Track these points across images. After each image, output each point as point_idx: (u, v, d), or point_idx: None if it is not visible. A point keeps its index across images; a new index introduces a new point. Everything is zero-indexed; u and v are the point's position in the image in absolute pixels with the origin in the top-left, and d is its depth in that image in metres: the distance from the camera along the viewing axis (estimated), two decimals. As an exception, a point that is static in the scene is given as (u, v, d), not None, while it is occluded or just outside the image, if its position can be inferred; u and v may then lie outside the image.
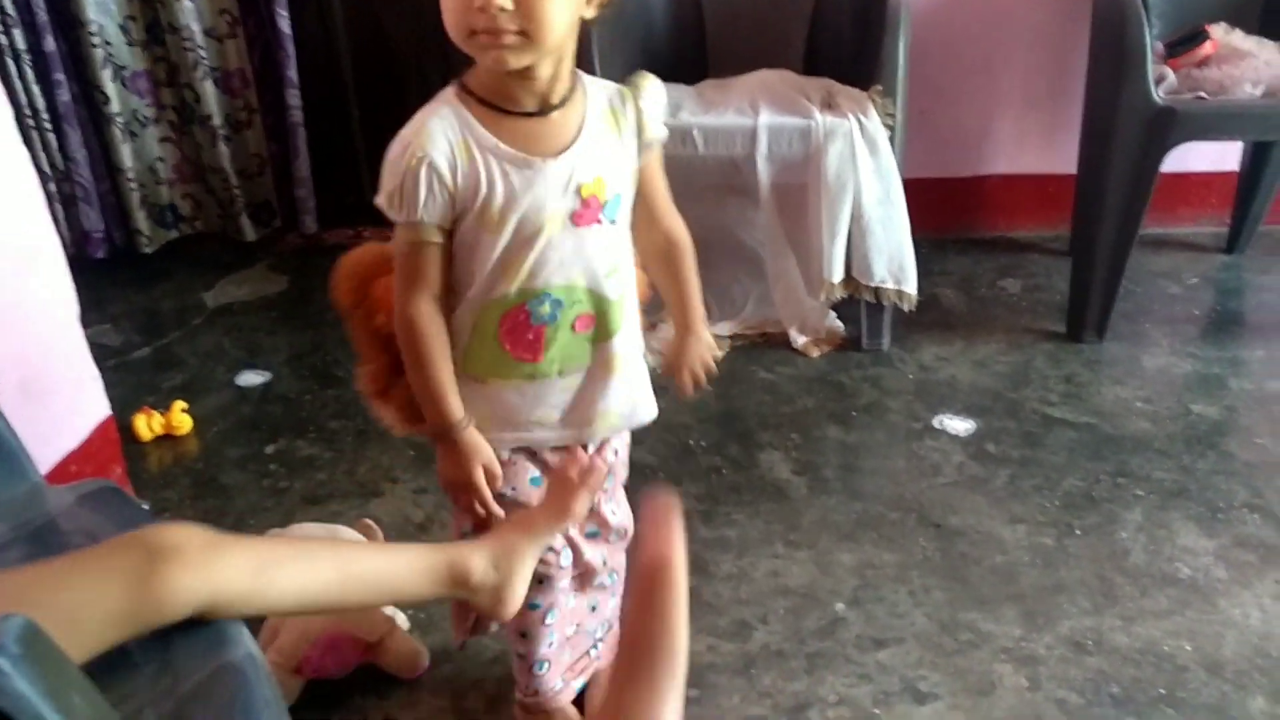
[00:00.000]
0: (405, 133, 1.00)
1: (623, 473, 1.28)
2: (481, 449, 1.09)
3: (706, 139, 2.03)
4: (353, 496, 1.81)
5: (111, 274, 2.64)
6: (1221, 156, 2.53)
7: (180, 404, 2.02)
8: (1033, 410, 1.94)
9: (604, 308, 1.08)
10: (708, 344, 1.24)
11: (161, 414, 2.00)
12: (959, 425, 1.90)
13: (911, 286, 2.05)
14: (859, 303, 2.10)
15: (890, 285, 2.05)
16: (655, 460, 1.85)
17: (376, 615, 1.39)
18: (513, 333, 1.06)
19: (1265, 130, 2.15)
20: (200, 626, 0.88)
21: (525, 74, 0.97)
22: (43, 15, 2.35)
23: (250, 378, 2.20)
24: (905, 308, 2.06)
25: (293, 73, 2.54)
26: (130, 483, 1.82)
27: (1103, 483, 1.73)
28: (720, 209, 2.16)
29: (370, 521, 1.61)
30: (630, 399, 1.16)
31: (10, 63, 2.34)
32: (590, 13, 0.98)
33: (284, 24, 2.48)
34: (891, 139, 2.00)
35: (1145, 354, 2.11)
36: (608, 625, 1.34)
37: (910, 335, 2.20)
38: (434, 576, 1.06)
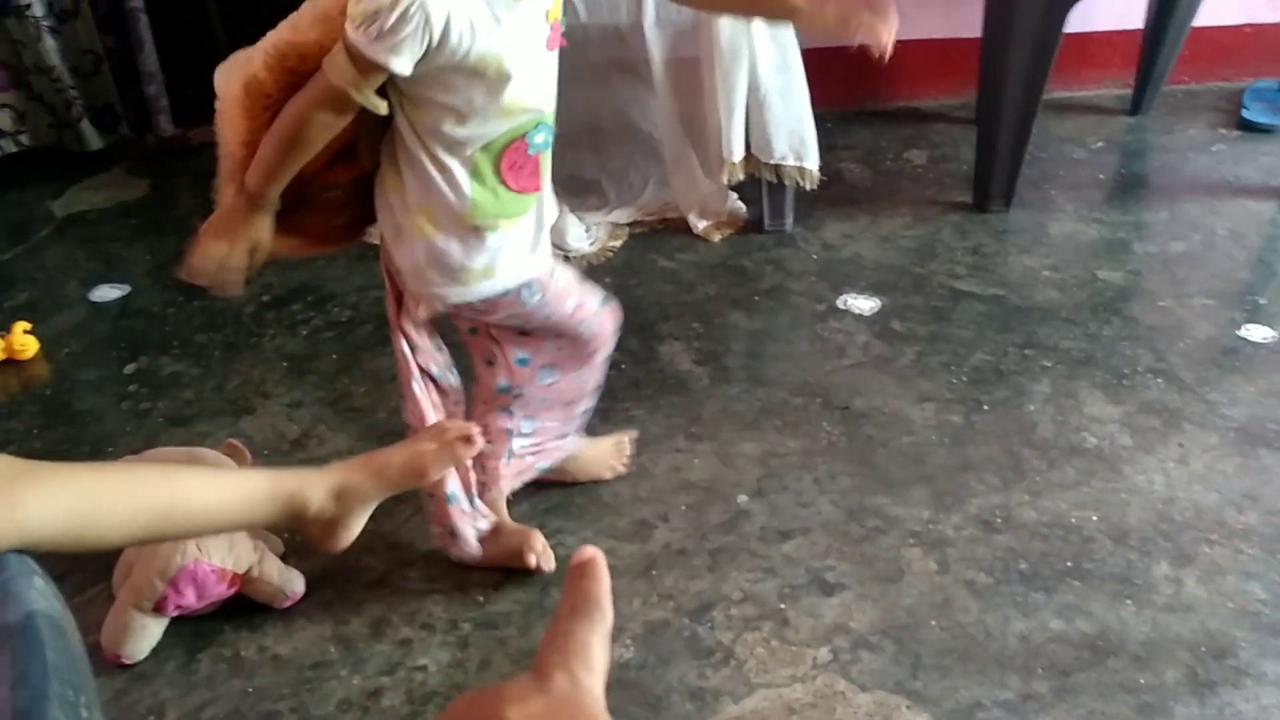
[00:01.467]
0: None
1: None
2: (264, 235, 1.12)
3: (589, 6, 1.87)
4: (222, 415, 1.67)
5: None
6: (1126, 13, 2.45)
7: (22, 325, 1.83)
8: (939, 284, 1.87)
9: (549, 131, 1.10)
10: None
11: (1, 338, 1.81)
12: (864, 304, 1.83)
13: (813, 162, 1.94)
14: (760, 183, 1.99)
15: (791, 162, 1.94)
16: (548, 358, 1.74)
17: (242, 545, 1.27)
18: (514, 167, 1.07)
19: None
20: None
21: None
22: None
23: (106, 292, 2.02)
24: (807, 185, 1.96)
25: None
26: (-32, 415, 1.66)
27: (1010, 355, 1.68)
28: (610, 89, 2.02)
29: (237, 442, 1.48)
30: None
31: None
32: None
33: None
34: (787, 2, 1.86)
35: (1052, 221, 2.06)
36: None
37: (814, 213, 2.11)
38: (270, 507, 0.95)
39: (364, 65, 0.96)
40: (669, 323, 1.82)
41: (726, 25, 1.84)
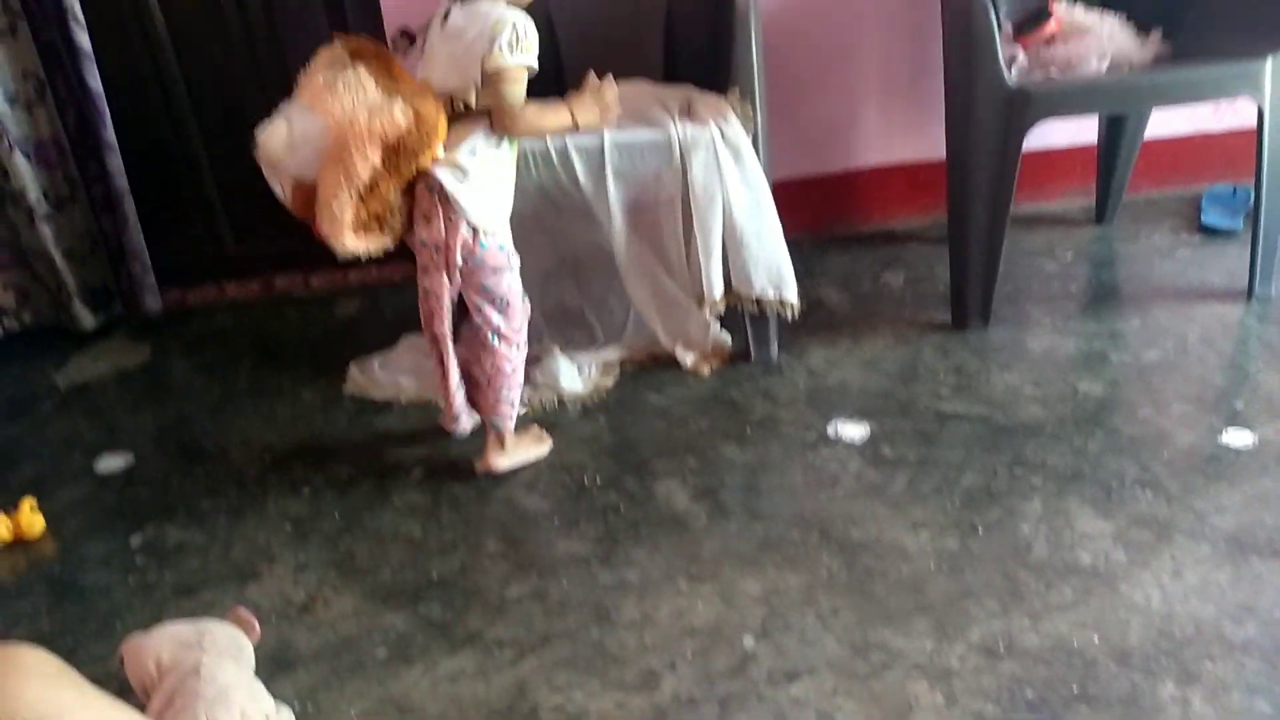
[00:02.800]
0: (506, 14, 1.61)
1: None
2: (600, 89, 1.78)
3: (558, 159, 1.95)
4: (229, 581, 1.69)
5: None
6: (1079, 130, 2.57)
7: (29, 502, 1.86)
8: (925, 407, 1.92)
9: None
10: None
11: (9, 516, 1.84)
12: (853, 430, 1.87)
13: (792, 294, 2.01)
14: (742, 312, 2.05)
15: (771, 295, 2.01)
16: (549, 504, 1.77)
17: (255, 717, 1.28)
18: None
19: (1115, 103, 2.19)
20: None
21: None
22: None
23: (111, 462, 2.05)
24: (788, 316, 2.02)
25: (109, 134, 2.35)
26: (-22, 598, 1.67)
27: (1000, 475, 1.71)
28: (588, 225, 2.09)
29: (244, 612, 1.50)
30: None
31: None
32: None
33: (93, 80, 2.29)
34: (755, 143, 1.95)
35: (1030, 336, 2.12)
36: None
37: (798, 340, 2.17)
38: None
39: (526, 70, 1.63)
40: (664, 460, 1.86)
41: (699, 170, 1.93)
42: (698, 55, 2.28)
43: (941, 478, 1.72)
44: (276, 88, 2.62)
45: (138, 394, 2.32)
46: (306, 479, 1.92)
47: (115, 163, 2.36)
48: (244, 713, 1.28)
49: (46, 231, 2.39)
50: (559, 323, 2.24)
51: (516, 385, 1.82)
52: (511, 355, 1.79)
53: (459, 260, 1.68)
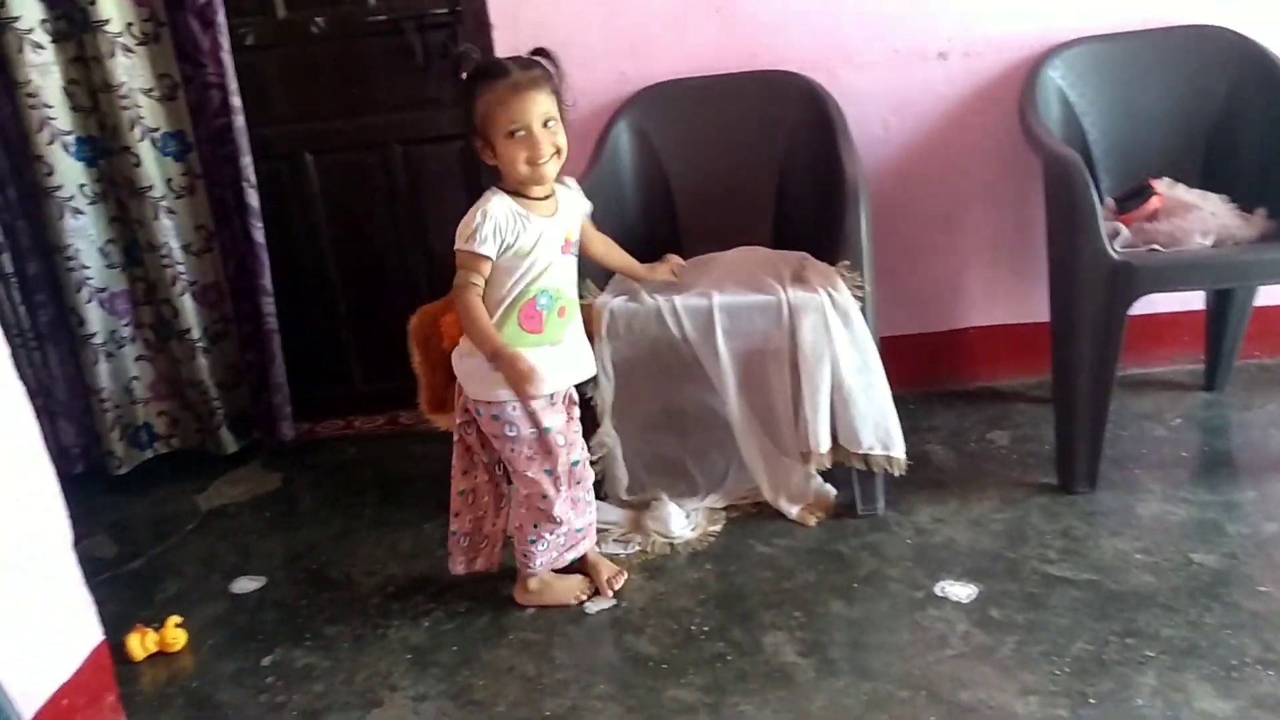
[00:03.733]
0: (480, 204, 1.77)
1: (575, 412, 1.95)
2: (525, 358, 1.74)
3: (672, 318, 2.08)
4: (352, 708, 1.77)
5: (104, 480, 2.65)
6: (1186, 297, 2.60)
7: (174, 619, 1.99)
8: (1033, 570, 1.93)
9: (570, 303, 1.86)
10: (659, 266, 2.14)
11: (155, 630, 1.97)
12: (961, 591, 1.88)
13: (899, 451, 2.07)
14: (849, 466, 2.11)
15: (878, 452, 2.06)
16: (658, 650, 1.82)
17: None
18: (528, 315, 1.80)
19: (1220, 278, 2.23)
20: None
21: (548, 178, 1.79)
22: (25, 240, 2.43)
23: (245, 584, 2.19)
24: (895, 473, 2.07)
25: (267, 281, 2.58)
26: (123, 708, 1.78)
27: (1112, 644, 1.70)
28: (692, 380, 2.19)
29: (370, 739, 1.57)
30: (585, 357, 1.94)
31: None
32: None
33: (258, 234, 2.54)
34: (863, 308, 2.05)
35: (1139, 501, 2.12)
36: (588, 524, 2.00)
37: (904, 496, 2.20)
38: None
39: (471, 255, 1.75)
40: (771, 611, 1.89)
41: (808, 333, 2.03)
42: (805, 223, 2.43)
43: (1051, 643, 1.72)
44: (411, 242, 2.89)
45: (270, 520, 2.48)
46: (426, 610, 2.02)
47: (269, 306, 2.59)
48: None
49: (203, 364, 2.62)
50: (660, 473, 2.30)
51: (538, 539, 1.93)
52: (523, 516, 1.93)
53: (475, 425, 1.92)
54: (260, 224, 2.52)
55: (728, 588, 1.99)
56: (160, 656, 1.96)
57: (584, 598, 1.98)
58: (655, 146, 2.55)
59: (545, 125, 1.72)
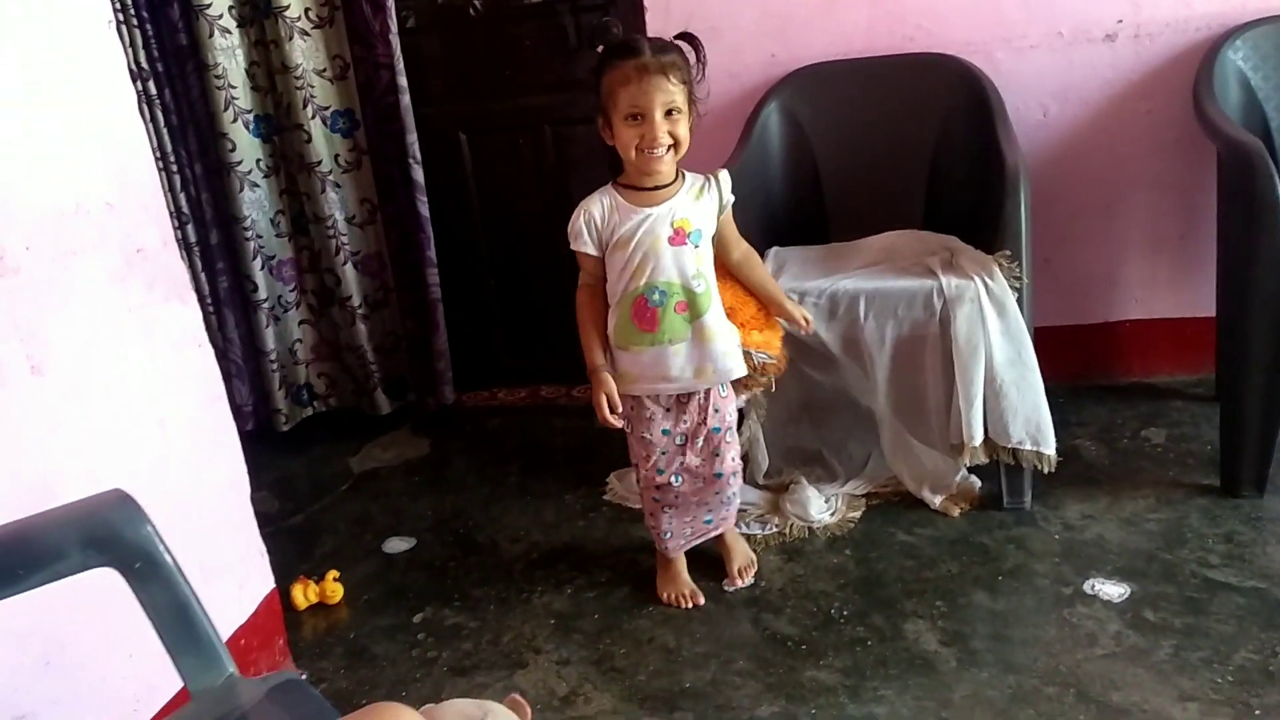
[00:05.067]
0: (581, 203, 1.76)
1: (729, 420, 1.87)
2: (607, 385, 1.76)
3: (821, 305, 2.07)
4: (498, 668, 1.84)
5: (266, 442, 2.81)
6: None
7: (333, 574, 2.11)
8: (1192, 573, 1.85)
9: (692, 297, 1.75)
10: (790, 301, 1.94)
11: (316, 583, 2.09)
12: (1112, 590, 1.83)
13: (1050, 447, 2.02)
14: (996, 459, 2.07)
15: (1028, 447, 2.02)
16: (797, 631, 1.84)
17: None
18: (639, 311, 1.75)
19: None
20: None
21: (658, 169, 1.70)
22: (209, 212, 2.59)
23: (396, 544, 2.29)
24: (1045, 469, 2.02)
25: (432, 253, 2.71)
26: (289, 652, 1.91)
27: None
28: (832, 370, 2.18)
29: (519, 697, 1.63)
30: (720, 359, 1.79)
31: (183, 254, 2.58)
32: (691, 128, 1.69)
33: (423, 208, 2.65)
34: (1019, 299, 2.00)
35: (1311, 509, 2.01)
36: (721, 518, 1.97)
37: (1052, 491, 2.15)
38: None
39: (578, 257, 1.78)
40: (912, 600, 1.88)
41: (963, 322, 1.99)
42: (958, 207, 2.38)
43: (1212, 650, 1.66)
44: (557, 222, 2.94)
45: (419, 484, 2.59)
46: (569, 578, 2.08)
47: (434, 276, 2.72)
48: (523, 791, 1.40)
49: (362, 329, 2.76)
50: (798, 461, 2.31)
51: (655, 525, 1.96)
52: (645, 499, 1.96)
53: None
54: (425, 199, 2.64)
55: (868, 573, 1.98)
56: (320, 608, 2.08)
57: (675, 603, 1.94)
58: (804, 129, 2.53)
59: (667, 114, 1.63)
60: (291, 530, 2.40)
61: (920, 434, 2.18)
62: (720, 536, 2.01)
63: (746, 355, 1.85)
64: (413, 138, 2.57)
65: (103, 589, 1.37)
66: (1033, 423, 2.02)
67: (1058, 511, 2.09)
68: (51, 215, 1.44)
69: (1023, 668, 1.67)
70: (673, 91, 1.62)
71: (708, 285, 1.77)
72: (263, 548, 1.84)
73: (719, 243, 1.82)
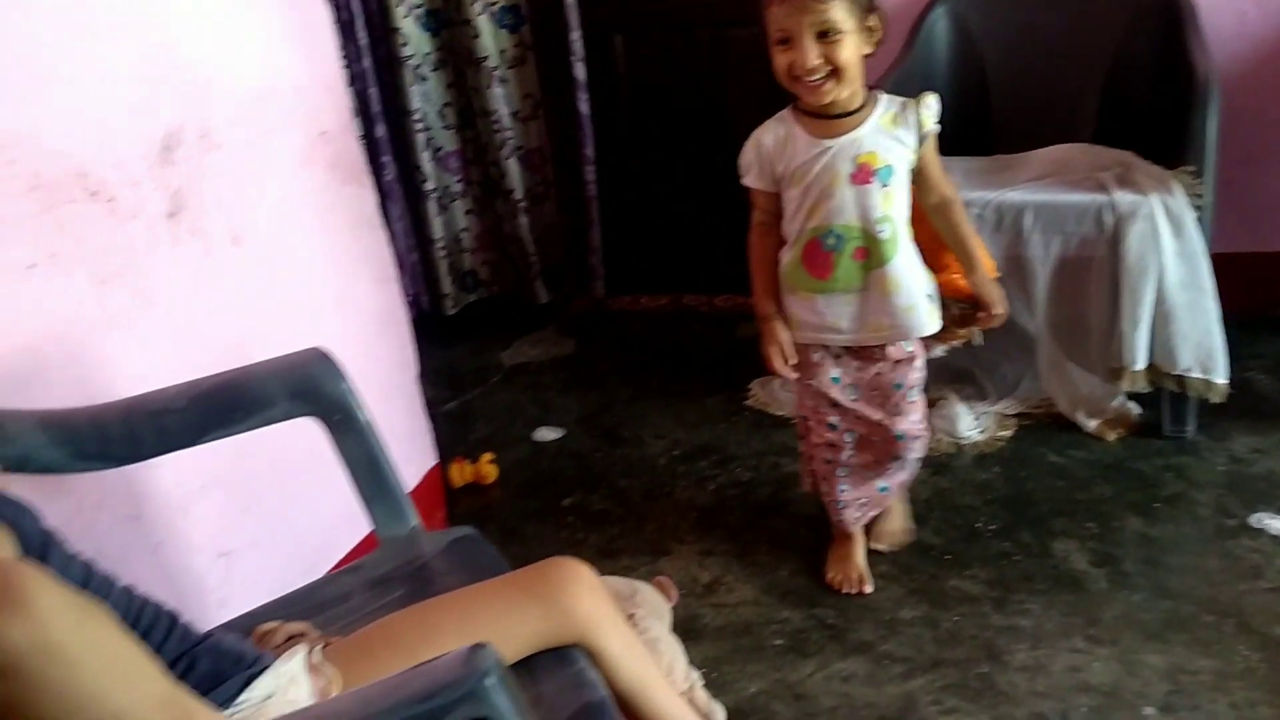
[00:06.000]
0: (754, 132, 1.57)
1: (914, 378, 1.65)
2: (779, 335, 1.61)
3: (986, 216, 2.00)
4: (642, 553, 1.91)
5: (422, 332, 2.93)
6: None
7: (488, 456, 2.21)
8: (1370, 513, 1.76)
9: (874, 243, 1.53)
10: (985, 280, 1.62)
11: (471, 464, 2.20)
12: (1281, 525, 1.76)
13: (1221, 376, 1.93)
14: (1156, 387, 1.99)
15: (1197, 374, 1.93)
16: (941, 541, 1.84)
17: (680, 666, 1.47)
18: (810, 255, 1.56)
19: None
20: (564, 668, 0.99)
21: (819, 99, 1.47)
22: (375, 106, 2.68)
23: (546, 433, 2.38)
24: (1213, 399, 1.94)
25: (589, 150, 2.74)
26: (448, 525, 2.02)
27: None
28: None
29: (666, 580, 1.70)
30: (900, 314, 1.57)
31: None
32: (869, 49, 1.47)
33: (583, 105, 2.68)
34: (1199, 219, 1.90)
35: None
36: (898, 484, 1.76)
37: (1217, 423, 2.06)
38: None
39: (749, 192, 1.61)
40: (1061, 519, 1.85)
41: (1134, 240, 1.91)
42: (1136, 120, 2.25)
43: (1389, 592, 1.59)
44: (709, 129, 2.93)
45: (566, 380, 2.67)
46: (711, 476, 2.13)
47: (591, 174, 2.76)
48: (669, 666, 1.47)
49: (524, 221, 2.84)
50: (947, 379, 2.27)
51: (823, 481, 1.76)
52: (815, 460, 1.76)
53: None
54: (586, 96, 2.67)
55: (1016, 491, 1.96)
56: (474, 487, 2.19)
57: (839, 587, 1.74)
58: (973, 35, 2.42)
59: (821, 36, 1.40)
60: (448, 415, 2.51)
61: (1078, 357, 2.11)
62: None
63: (945, 306, 1.63)
64: (576, 35, 2.59)
65: (293, 453, 1.49)
66: (1204, 349, 1.93)
67: (1223, 443, 2.01)
68: (250, 96, 1.52)
69: (1179, 594, 1.64)
70: (827, 12, 1.39)
71: (895, 231, 1.53)
72: (428, 424, 1.94)
73: (918, 183, 1.57)
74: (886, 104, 1.52)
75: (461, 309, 2.99)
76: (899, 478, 1.73)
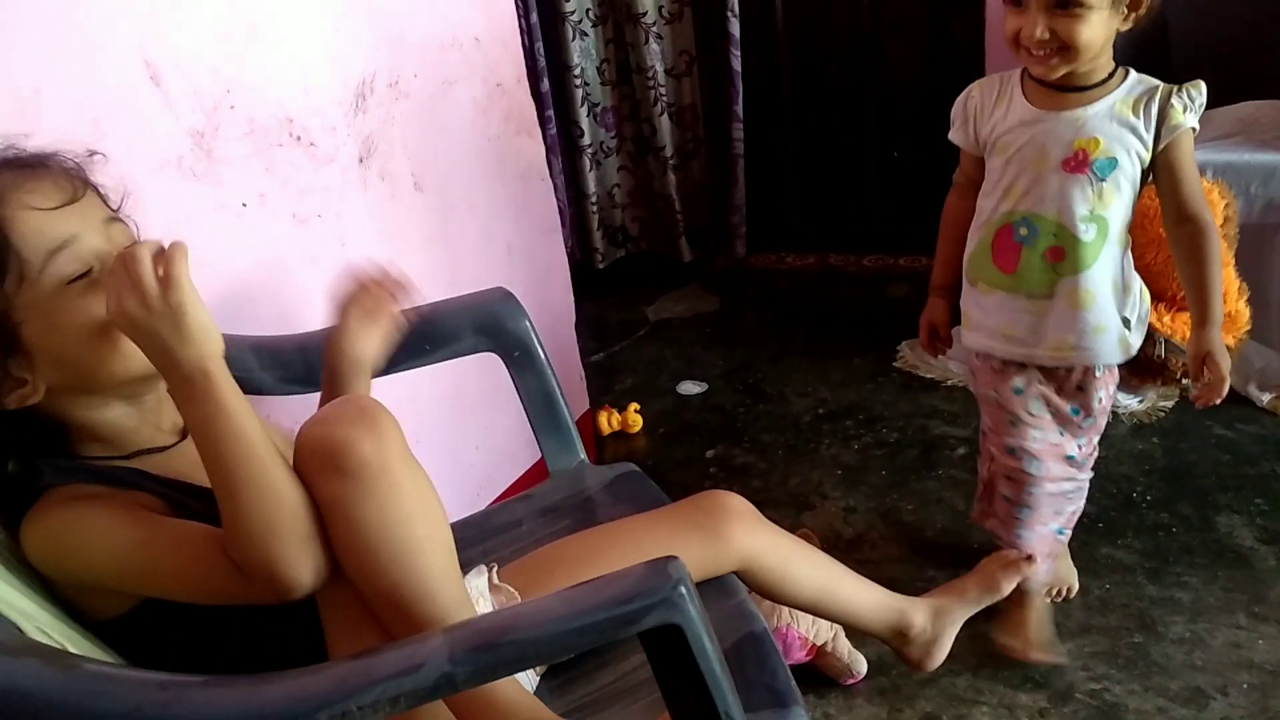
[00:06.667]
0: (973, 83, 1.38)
1: (1099, 404, 1.40)
2: (933, 312, 1.48)
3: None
4: (785, 506, 1.94)
5: (574, 284, 3.01)
6: None
7: (634, 406, 2.28)
8: None
9: (1072, 245, 1.28)
10: (1214, 343, 1.29)
11: (619, 413, 2.27)
12: None
13: None
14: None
15: (1393, 347, 1.82)
16: (1095, 509, 1.79)
17: (822, 620, 1.50)
18: (1000, 245, 1.34)
19: None
20: (726, 599, 1.03)
21: (1055, 74, 1.24)
22: (541, 61, 2.75)
23: (689, 387, 2.43)
24: None
25: (739, 107, 2.76)
26: (596, 469, 2.09)
27: None
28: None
29: (810, 530, 1.73)
30: (1088, 334, 1.33)
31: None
32: (1126, 26, 1.23)
33: (735, 62, 2.70)
34: None
35: None
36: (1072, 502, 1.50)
37: (1407, 403, 1.94)
38: (886, 618, 1.24)
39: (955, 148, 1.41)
40: (1227, 494, 1.79)
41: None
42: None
43: None
44: (867, 88, 2.89)
45: (710, 336, 2.70)
46: (856, 435, 2.13)
47: (738, 131, 2.78)
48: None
49: (672, 179, 2.89)
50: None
51: (1002, 524, 1.51)
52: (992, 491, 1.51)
53: None
54: (738, 52, 2.68)
55: (1176, 463, 1.90)
56: (621, 435, 2.26)
57: (1015, 655, 1.48)
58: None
59: (1059, 6, 1.18)
60: (596, 365, 2.58)
61: (1254, 329, 2.01)
62: None
63: (1158, 343, 1.42)
64: (733, -11, 2.60)
65: (463, 389, 1.57)
66: (1400, 324, 1.82)
67: None
68: (434, 47, 1.60)
69: (1354, 577, 1.57)
70: None
71: (1104, 235, 1.28)
72: (582, 372, 2.02)
73: (1163, 186, 1.28)
74: (1133, 84, 1.27)
75: (610, 264, 3.05)
76: (1070, 509, 1.48)
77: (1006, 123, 1.31)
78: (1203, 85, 1.25)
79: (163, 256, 0.78)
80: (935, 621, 1.29)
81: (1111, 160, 1.25)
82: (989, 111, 1.33)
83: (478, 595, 1.04)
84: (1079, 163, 1.26)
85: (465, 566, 1.12)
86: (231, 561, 0.79)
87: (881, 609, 1.25)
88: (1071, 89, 1.26)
